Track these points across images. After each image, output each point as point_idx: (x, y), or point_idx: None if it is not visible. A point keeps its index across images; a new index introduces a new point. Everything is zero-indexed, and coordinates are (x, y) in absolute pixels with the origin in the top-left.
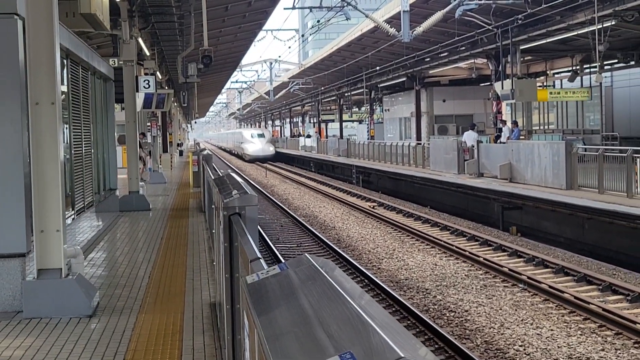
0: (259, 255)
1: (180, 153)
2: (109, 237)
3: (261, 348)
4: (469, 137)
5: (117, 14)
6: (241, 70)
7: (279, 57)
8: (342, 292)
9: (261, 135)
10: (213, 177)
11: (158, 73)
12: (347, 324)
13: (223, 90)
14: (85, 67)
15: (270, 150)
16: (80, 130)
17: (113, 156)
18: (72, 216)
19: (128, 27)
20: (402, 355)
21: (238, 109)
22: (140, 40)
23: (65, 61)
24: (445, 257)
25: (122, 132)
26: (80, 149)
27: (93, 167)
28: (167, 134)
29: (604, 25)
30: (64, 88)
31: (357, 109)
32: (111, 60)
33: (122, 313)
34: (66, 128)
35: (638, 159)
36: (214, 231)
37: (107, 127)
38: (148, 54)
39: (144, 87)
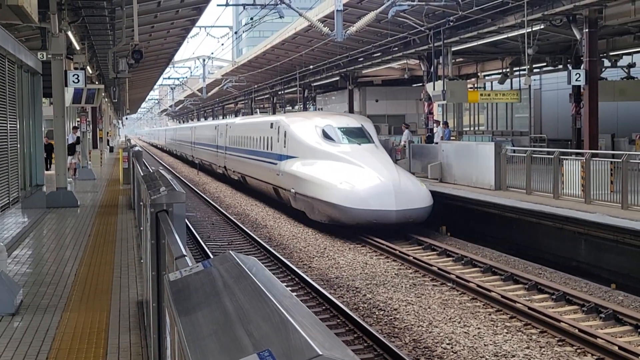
0: (184, 252)
1: (111, 149)
2: (34, 233)
3: (181, 346)
4: (407, 136)
5: (46, 7)
6: (174, 67)
7: (212, 54)
8: (265, 290)
9: (361, 135)
10: (142, 174)
11: (88, 68)
12: (267, 322)
13: (155, 87)
14: (12, 60)
15: (421, 193)
16: (5, 125)
17: (40, 151)
18: None
19: (57, 20)
20: (320, 353)
21: (170, 106)
22: (69, 33)
23: None
24: (376, 256)
25: (50, 127)
26: (6, 143)
27: (19, 162)
28: (97, 129)
29: (533, 29)
30: None
31: (290, 108)
32: (39, 54)
33: (47, 311)
34: None
35: (565, 161)
36: (142, 228)
37: (35, 122)
38: (78, 48)
39: (73, 81)
